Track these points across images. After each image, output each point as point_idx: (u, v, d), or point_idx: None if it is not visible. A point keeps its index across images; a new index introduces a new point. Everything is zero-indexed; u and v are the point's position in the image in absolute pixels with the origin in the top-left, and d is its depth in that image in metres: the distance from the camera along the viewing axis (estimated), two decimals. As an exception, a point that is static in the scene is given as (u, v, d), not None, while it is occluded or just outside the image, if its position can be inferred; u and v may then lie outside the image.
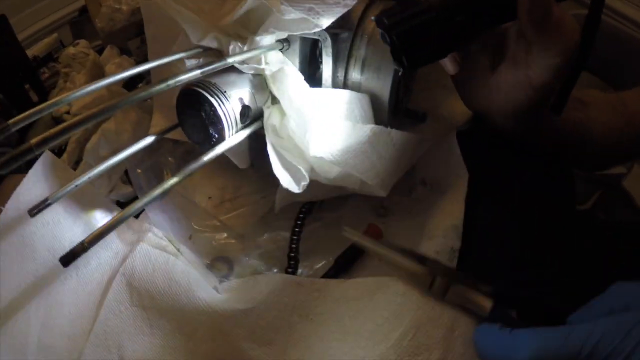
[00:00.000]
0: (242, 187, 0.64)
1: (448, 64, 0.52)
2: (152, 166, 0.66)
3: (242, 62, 0.52)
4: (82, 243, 0.39)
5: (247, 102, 0.51)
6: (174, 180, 0.46)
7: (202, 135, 0.51)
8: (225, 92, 0.50)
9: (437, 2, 0.43)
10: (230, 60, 0.47)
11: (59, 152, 0.79)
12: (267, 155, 0.51)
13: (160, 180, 0.66)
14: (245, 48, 0.51)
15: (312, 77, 0.56)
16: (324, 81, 0.54)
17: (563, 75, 0.47)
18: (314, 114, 0.49)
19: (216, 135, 0.51)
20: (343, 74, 0.54)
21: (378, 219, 0.60)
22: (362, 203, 0.61)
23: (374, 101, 0.54)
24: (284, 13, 0.45)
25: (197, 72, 0.44)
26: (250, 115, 0.52)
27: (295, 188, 0.52)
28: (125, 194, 0.68)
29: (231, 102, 0.50)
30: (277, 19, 0.48)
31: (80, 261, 0.62)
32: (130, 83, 0.82)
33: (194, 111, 0.50)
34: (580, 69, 0.46)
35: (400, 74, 0.47)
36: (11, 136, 0.88)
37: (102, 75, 0.84)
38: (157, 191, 0.44)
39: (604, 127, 0.62)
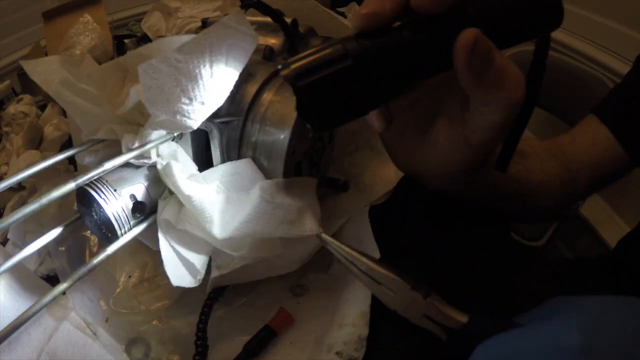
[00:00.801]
0: (161, 265, 0.63)
1: (375, 121, 0.42)
2: (75, 243, 0.66)
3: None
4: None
5: (140, 198, 0.50)
6: (63, 286, 0.45)
7: (98, 232, 0.51)
8: (115, 190, 0.49)
9: (354, 47, 0.33)
10: (107, 165, 0.46)
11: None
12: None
13: (83, 256, 0.66)
14: (136, 142, 0.50)
15: (209, 162, 0.55)
16: (214, 164, 0.53)
17: (505, 132, 0.40)
18: (209, 199, 0.48)
19: (109, 234, 0.50)
20: (235, 155, 0.53)
21: (293, 299, 0.58)
22: (276, 283, 0.59)
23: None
24: (155, 116, 0.44)
25: (72, 184, 0.43)
26: (145, 210, 0.51)
27: (190, 283, 0.51)
28: (54, 268, 0.67)
29: (121, 201, 0.49)
30: (156, 117, 0.47)
31: (13, 335, 0.63)
32: (67, 146, 0.82)
33: (87, 209, 0.49)
34: (525, 124, 0.40)
35: (310, 136, 0.44)
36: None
37: (39, 137, 0.84)
38: (47, 299, 0.44)
39: (543, 176, 0.60)
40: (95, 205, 0.48)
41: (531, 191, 0.59)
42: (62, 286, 0.45)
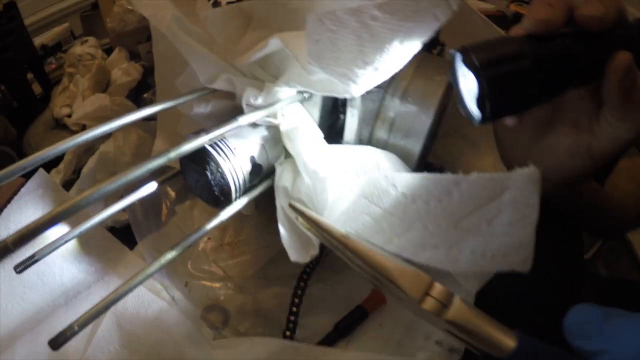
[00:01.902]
0: (244, 230, 0.53)
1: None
2: (150, 197, 0.55)
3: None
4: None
5: (258, 159, 0.40)
6: (171, 254, 0.35)
7: (206, 193, 0.40)
8: (234, 149, 0.38)
9: (530, 49, 0.32)
10: (242, 121, 0.35)
11: (52, 160, 0.67)
12: (273, 198, 0.40)
13: (158, 214, 0.55)
14: (260, 99, 0.39)
15: (332, 127, 0.45)
16: (345, 138, 0.42)
17: (628, 148, 0.38)
18: (332, 176, 0.38)
19: (222, 198, 0.39)
20: (368, 132, 0.42)
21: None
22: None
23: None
24: (310, 72, 0.33)
25: (205, 138, 0.32)
26: (261, 174, 0.41)
27: (303, 258, 0.41)
28: (120, 220, 0.56)
29: (240, 161, 0.38)
30: (301, 74, 0.36)
31: (71, 291, 0.53)
32: (135, 94, 0.70)
33: (198, 167, 0.38)
34: None
35: (477, 123, 0.35)
36: (9, 134, 0.76)
37: (106, 81, 0.71)
38: (153, 268, 0.34)
39: (622, 192, 0.56)
40: (213, 164, 0.37)
41: (611, 205, 0.56)
42: (170, 254, 0.34)
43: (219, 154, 0.37)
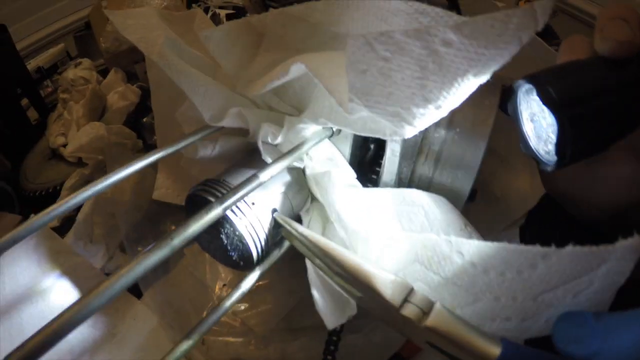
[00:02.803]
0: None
1: None
2: (154, 237, 0.44)
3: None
4: None
5: (281, 211, 0.29)
6: (187, 344, 0.24)
7: (222, 256, 0.29)
8: (252, 203, 0.27)
9: (612, 79, 0.24)
10: (264, 177, 0.24)
11: (52, 194, 0.56)
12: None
13: (166, 264, 0.44)
14: (280, 137, 0.28)
15: (361, 161, 0.34)
16: (384, 179, 0.32)
17: None
18: (375, 234, 0.28)
19: (241, 263, 0.29)
20: (409, 169, 0.32)
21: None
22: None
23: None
24: (351, 111, 0.23)
25: (218, 209, 0.22)
26: (285, 227, 0.30)
27: (340, 321, 0.30)
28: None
29: (260, 217, 0.28)
30: (333, 108, 0.25)
31: (77, 347, 0.43)
32: (134, 117, 0.58)
33: (210, 229, 0.28)
34: None
35: (550, 168, 0.26)
36: (2, 166, 0.64)
37: (102, 106, 0.60)
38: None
39: None
40: (228, 226, 0.26)
41: None
42: (185, 344, 0.24)
43: (234, 213, 0.26)
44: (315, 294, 0.29)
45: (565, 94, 0.23)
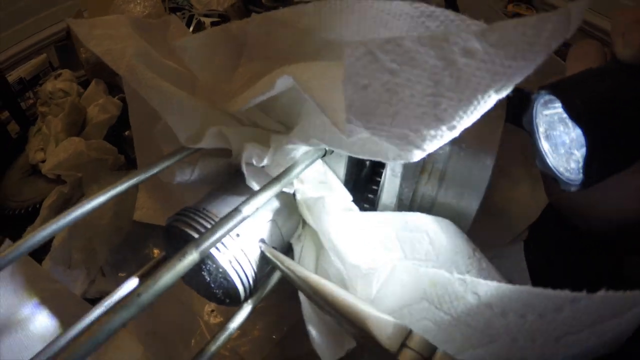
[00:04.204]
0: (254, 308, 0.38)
1: None
2: (136, 259, 0.39)
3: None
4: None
5: (269, 241, 0.25)
6: None
7: (207, 293, 0.25)
8: (237, 235, 0.23)
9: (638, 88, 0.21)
10: (247, 211, 0.19)
11: (31, 213, 0.51)
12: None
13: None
14: (266, 159, 0.24)
15: (357, 179, 0.30)
16: (383, 201, 0.27)
17: None
18: (369, 260, 0.23)
19: (227, 300, 0.24)
20: (411, 189, 0.27)
21: None
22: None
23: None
24: (349, 134, 0.18)
25: (194, 255, 0.17)
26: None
27: (337, 355, 0.26)
28: (108, 290, 0.41)
29: (247, 250, 0.23)
30: (329, 130, 0.21)
31: None
32: (116, 131, 0.53)
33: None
34: None
35: (573, 188, 0.22)
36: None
37: (82, 120, 0.54)
38: None
39: None
40: (211, 263, 0.22)
41: None
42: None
43: (217, 248, 0.22)
44: (310, 328, 0.25)
45: (592, 105, 0.20)
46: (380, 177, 0.28)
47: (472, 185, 0.27)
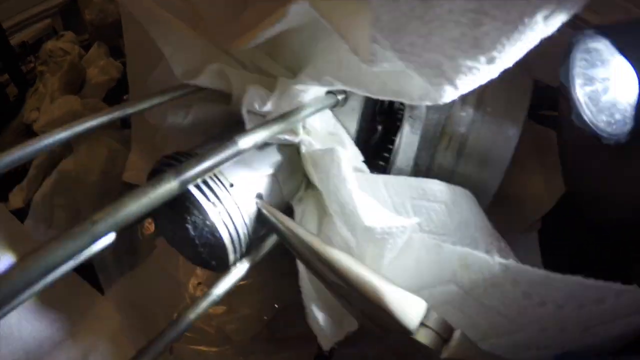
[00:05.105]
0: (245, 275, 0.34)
1: None
2: (123, 239, 0.36)
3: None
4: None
5: (267, 198, 0.21)
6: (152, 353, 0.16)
7: (189, 251, 0.21)
8: (231, 185, 0.19)
9: None
10: (244, 144, 0.16)
11: (20, 172, 0.47)
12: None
13: (132, 248, 0.36)
14: (269, 103, 0.20)
15: (366, 144, 0.26)
16: (398, 163, 0.24)
17: None
18: (386, 225, 0.20)
19: (212, 262, 0.20)
20: (429, 155, 0.24)
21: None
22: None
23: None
24: (373, 61, 0.14)
25: (175, 182, 0.13)
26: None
27: (336, 337, 0.22)
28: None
29: (241, 204, 0.19)
30: (346, 66, 0.17)
31: (33, 352, 0.34)
32: (115, 95, 0.49)
33: (173, 214, 0.19)
34: None
35: (613, 141, 0.18)
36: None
37: (80, 81, 0.50)
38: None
39: None
40: (197, 213, 0.18)
41: None
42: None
43: (206, 196, 0.18)
44: (310, 306, 0.21)
45: None
46: (393, 143, 0.24)
47: (496, 156, 0.23)
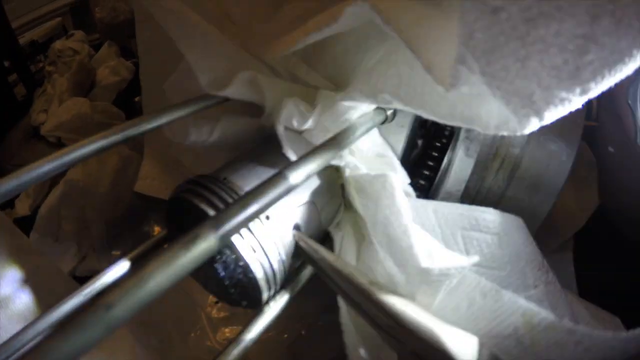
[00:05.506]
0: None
1: None
2: (131, 237, 0.33)
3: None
4: None
5: (306, 228, 0.18)
6: None
7: (218, 290, 0.18)
8: (267, 217, 0.16)
9: None
10: (295, 178, 0.13)
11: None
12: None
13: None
14: (311, 120, 0.17)
15: (406, 161, 0.23)
16: (447, 187, 0.21)
17: None
18: (439, 259, 0.17)
19: (244, 303, 0.17)
20: (479, 178, 0.20)
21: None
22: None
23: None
24: (453, 83, 0.11)
25: (211, 241, 0.10)
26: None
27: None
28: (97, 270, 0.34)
29: (277, 238, 0.16)
30: (409, 84, 0.14)
31: None
32: (123, 98, 0.46)
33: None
34: None
35: None
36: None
37: (90, 81, 0.47)
38: None
39: None
40: (227, 250, 0.15)
41: None
42: None
43: (239, 233, 0.15)
44: (353, 349, 0.18)
45: None
46: (434, 161, 0.21)
47: (548, 180, 0.20)
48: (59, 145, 0.44)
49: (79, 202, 0.32)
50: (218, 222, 0.10)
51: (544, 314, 0.15)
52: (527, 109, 0.12)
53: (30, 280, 0.32)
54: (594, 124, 0.32)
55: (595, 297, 0.28)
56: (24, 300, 0.32)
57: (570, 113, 0.21)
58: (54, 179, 0.41)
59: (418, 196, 0.22)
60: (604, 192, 0.32)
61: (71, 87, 0.44)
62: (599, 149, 0.33)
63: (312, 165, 0.13)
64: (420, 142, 0.23)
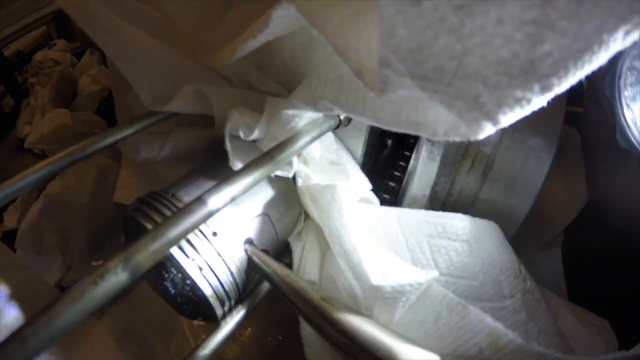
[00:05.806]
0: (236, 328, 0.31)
1: None
2: (114, 246, 0.32)
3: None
4: None
5: (259, 242, 0.17)
6: None
7: (175, 306, 0.17)
8: (214, 233, 0.15)
9: None
10: (214, 203, 0.12)
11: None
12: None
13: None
14: (257, 130, 0.16)
15: (375, 161, 0.22)
16: (412, 192, 0.20)
17: None
18: (392, 275, 0.16)
19: (198, 318, 0.17)
20: (449, 179, 0.20)
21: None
22: None
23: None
24: (382, 90, 0.10)
25: (120, 276, 0.10)
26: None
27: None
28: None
29: (226, 254, 0.16)
30: (349, 88, 0.13)
31: None
32: (105, 106, 0.45)
33: (151, 271, 0.16)
34: None
35: None
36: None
37: (71, 91, 0.47)
38: None
39: None
40: (171, 268, 0.14)
41: None
42: None
43: (183, 251, 0.14)
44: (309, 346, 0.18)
45: None
46: (405, 161, 0.20)
47: (525, 179, 0.19)
48: (44, 156, 0.44)
49: (59, 214, 0.32)
50: (128, 254, 0.10)
51: (510, 336, 0.14)
52: (474, 113, 0.11)
53: (19, 295, 0.32)
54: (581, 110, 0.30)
55: (585, 291, 0.27)
56: (11, 313, 0.31)
57: (548, 105, 0.20)
58: (42, 187, 0.40)
59: (387, 200, 0.21)
60: (593, 185, 0.31)
61: (53, 98, 0.44)
62: (585, 137, 0.31)
63: (242, 184, 0.12)
64: (390, 141, 0.22)
